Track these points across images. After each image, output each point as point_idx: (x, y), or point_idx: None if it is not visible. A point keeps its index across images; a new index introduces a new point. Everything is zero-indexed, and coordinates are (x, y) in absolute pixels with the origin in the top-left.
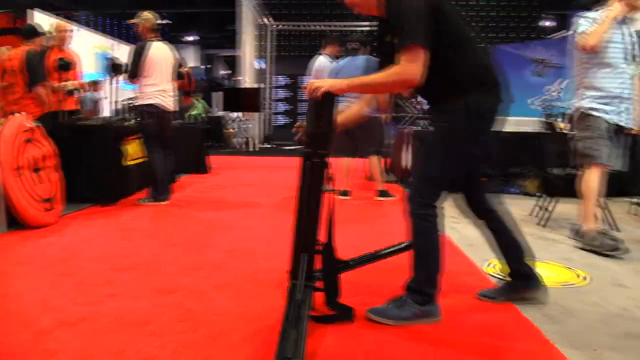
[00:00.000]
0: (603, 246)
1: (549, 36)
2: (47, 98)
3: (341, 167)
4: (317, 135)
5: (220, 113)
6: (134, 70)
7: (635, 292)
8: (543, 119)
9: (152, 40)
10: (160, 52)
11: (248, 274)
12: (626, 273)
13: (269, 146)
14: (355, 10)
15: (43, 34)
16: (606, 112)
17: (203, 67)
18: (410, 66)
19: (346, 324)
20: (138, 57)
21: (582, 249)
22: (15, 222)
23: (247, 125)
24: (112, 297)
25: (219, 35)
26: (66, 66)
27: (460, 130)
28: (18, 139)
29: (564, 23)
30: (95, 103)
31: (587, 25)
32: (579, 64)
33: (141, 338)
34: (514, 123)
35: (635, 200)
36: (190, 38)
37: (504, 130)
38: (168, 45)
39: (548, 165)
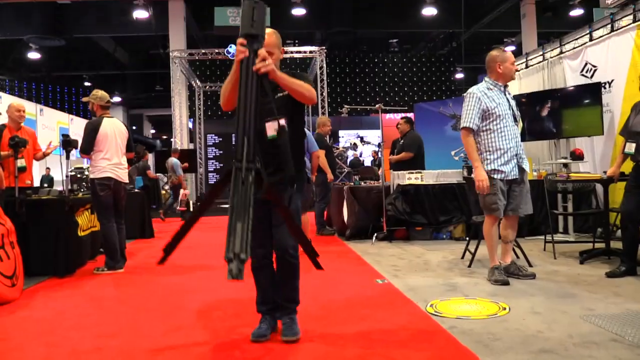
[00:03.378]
0: (496, 280)
1: (463, 94)
2: (1, 177)
3: None
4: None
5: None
6: (88, 146)
7: (546, 316)
8: (463, 171)
9: (105, 117)
10: (112, 128)
11: (225, 331)
12: (540, 302)
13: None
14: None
15: None
16: (503, 172)
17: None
18: (314, 92)
19: None
20: (92, 133)
21: (490, 281)
22: None
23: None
24: None
25: (145, 95)
26: (19, 144)
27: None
28: None
29: (475, 77)
30: None
31: (470, 112)
32: (478, 131)
33: None
34: (440, 175)
35: (547, 238)
36: (117, 99)
37: (432, 182)
38: (119, 121)
39: (470, 212)
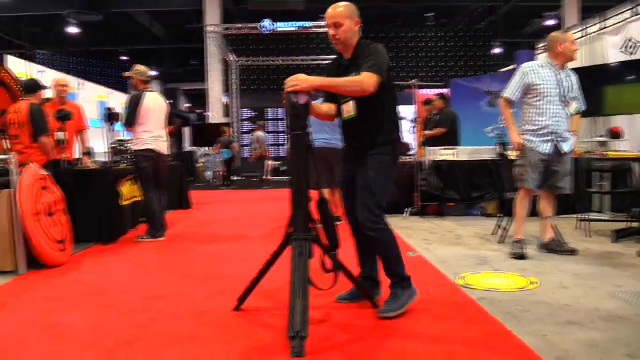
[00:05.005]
0: (513, 253)
1: (499, 70)
2: (50, 147)
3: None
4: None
5: (190, 148)
6: (131, 119)
7: (575, 291)
8: (497, 147)
9: (146, 91)
10: (154, 102)
11: (264, 296)
12: (568, 278)
13: (238, 178)
14: (335, 44)
15: (43, 88)
16: (534, 142)
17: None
18: (371, 80)
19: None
20: (135, 106)
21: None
22: (33, 263)
23: (216, 159)
24: (155, 321)
25: (182, 70)
26: (65, 117)
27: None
28: (35, 186)
29: (512, 53)
30: None
31: (514, 85)
32: (521, 104)
33: (195, 348)
34: (474, 152)
35: (581, 217)
36: (153, 73)
37: (465, 159)
38: (160, 95)
39: (504, 188)
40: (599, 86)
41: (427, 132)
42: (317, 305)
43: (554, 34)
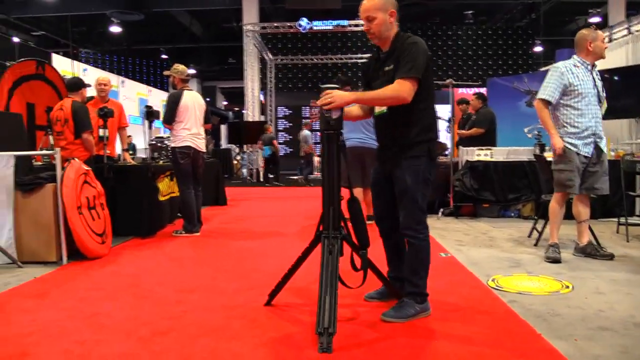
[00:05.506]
0: (547, 257)
1: (539, 69)
2: (92, 144)
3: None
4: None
5: (226, 146)
6: (170, 117)
7: (609, 297)
8: (536, 148)
9: (185, 89)
10: (192, 100)
11: (294, 292)
12: (604, 283)
13: (272, 176)
14: (371, 38)
15: (86, 86)
16: (577, 146)
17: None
18: (407, 88)
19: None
20: (174, 105)
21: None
22: (73, 255)
23: (252, 156)
24: (188, 312)
25: (219, 68)
26: (107, 114)
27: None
28: (78, 181)
29: (554, 51)
30: None
31: (552, 85)
32: (558, 105)
33: (225, 340)
34: (511, 152)
35: (621, 220)
36: (191, 71)
37: (502, 159)
38: (198, 94)
39: (541, 190)
40: None
41: (464, 132)
42: (345, 303)
43: (583, 31)
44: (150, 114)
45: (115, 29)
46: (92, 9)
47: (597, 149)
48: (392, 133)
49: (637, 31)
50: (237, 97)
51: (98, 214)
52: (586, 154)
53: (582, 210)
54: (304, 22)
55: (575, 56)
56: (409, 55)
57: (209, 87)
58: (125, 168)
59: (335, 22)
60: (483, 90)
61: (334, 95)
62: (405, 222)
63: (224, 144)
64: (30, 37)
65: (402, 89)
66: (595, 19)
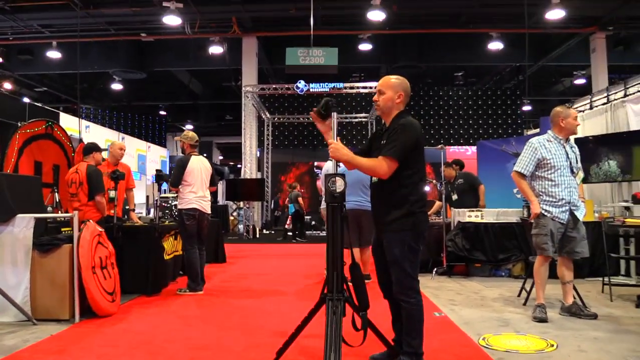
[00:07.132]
0: (534, 317)
1: (526, 132)
2: (104, 205)
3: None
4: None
5: (223, 202)
6: (177, 180)
7: (590, 355)
8: (524, 211)
9: (192, 154)
10: (199, 164)
11: (300, 349)
12: (587, 342)
13: (268, 232)
14: (376, 109)
15: (101, 150)
16: (552, 213)
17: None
18: (384, 165)
19: None
20: (181, 169)
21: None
22: (85, 312)
23: (249, 212)
24: None
25: (216, 124)
26: (119, 177)
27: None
28: (93, 242)
29: (541, 110)
30: None
31: (525, 160)
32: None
33: None
34: (501, 214)
35: (605, 280)
36: (189, 127)
37: (492, 221)
38: (205, 159)
39: (530, 250)
40: (624, 152)
41: (482, 203)
42: None
43: (557, 108)
44: (159, 177)
45: (116, 86)
46: (95, 67)
47: (573, 216)
48: (379, 209)
49: (615, 99)
50: (232, 152)
51: (109, 273)
52: (561, 221)
53: (565, 272)
54: (301, 84)
55: (550, 131)
56: (395, 135)
57: (205, 143)
58: (134, 228)
59: (331, 85)
60: (473, 150)
61: (337, 148)
62: (397, 289)
63: (220, 200)
64: (34, 92)
65: (380, 165)
66: (580, 81)
